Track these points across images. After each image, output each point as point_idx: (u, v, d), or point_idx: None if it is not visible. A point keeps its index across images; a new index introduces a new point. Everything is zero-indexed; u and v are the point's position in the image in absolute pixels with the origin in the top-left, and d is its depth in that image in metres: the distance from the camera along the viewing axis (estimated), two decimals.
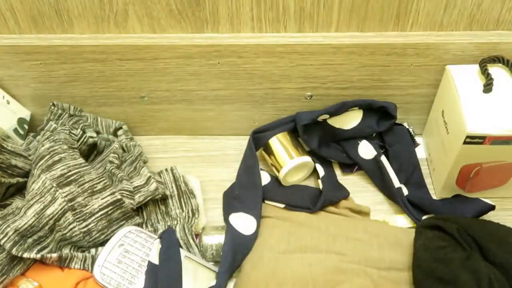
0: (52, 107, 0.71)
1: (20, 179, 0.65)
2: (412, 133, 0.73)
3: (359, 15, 0.63)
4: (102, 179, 0.62)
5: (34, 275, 0.59)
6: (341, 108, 0.69)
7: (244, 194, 0.67)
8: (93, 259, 0.60)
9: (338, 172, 0.73)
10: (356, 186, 0.71)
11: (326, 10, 0.63)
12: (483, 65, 0.61)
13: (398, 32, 0.65)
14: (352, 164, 0.73)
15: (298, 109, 0.72)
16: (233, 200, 0.67)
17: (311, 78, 0.69)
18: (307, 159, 0.69)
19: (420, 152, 0.74)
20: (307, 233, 0.63)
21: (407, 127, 0.73)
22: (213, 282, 0.58)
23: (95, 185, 0.61)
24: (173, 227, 0.63)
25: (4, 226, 0.56)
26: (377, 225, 0.65)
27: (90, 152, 0.71)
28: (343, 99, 0.70)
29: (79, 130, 0.68)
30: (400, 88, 0.70)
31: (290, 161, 0.68)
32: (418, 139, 0.75)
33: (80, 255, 0.60)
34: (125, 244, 0.61)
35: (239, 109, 0.74)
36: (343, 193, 0.68)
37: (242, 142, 0.74)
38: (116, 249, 0.60)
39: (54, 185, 0.59)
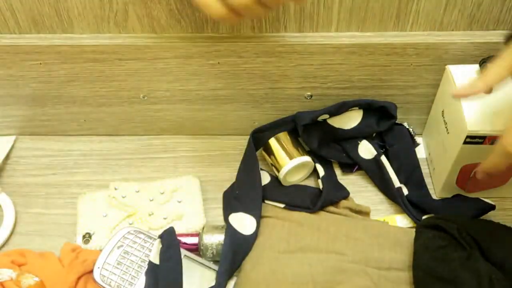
0: None
1: None
2: (412, 133, 0.73)
3: (359, 15, 0.63)
4: None
5: (35, 271, 0.60)
6: (341, 108, 0.69)
7: (244, 194, 0.67)
8: None
9: (338, 172, 0.73)
10: (356, 186, 0.71)
11: (326, 10, 0.63)
12: (483, 65, 0.61)
13: (398, 32, 0.65)
14: (352, 164, 0.73)
15: (298, 109, 0.72)
16: (233, 200, 0.67)
17: (311, 78, 0.69)
18: (307, 159, 0.69)
19: (420, 152, 0.74)
20: (307, 233, 0.63)
21: (407, 127, 0.73)
22: (213, 282, 0.58)
23: None
24: None
25: None
26: (377, 225, 0.65)
27: None
28: (343, 99, 0.70)
29: None
30: (400, 88, 0.70)
31: (290, 161, 0.68)
32: (418, 139, 0.75)
33: None
34: (124, 245, 0.61)
35: (239, 109, 0.74)
36: (343, 193, 0.68)
37: (242, 142, 0.74)
38: (115, 251, 0.60)
39: None
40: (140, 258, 0.60)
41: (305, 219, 0.65)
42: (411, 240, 0.59)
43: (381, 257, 0.60)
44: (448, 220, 0.58)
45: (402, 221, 0.67)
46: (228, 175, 0.72)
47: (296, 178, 0.71)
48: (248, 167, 0.69)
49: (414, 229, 0.60)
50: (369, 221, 0.66)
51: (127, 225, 0.65)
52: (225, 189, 0.70)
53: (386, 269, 0.59)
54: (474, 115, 0.58)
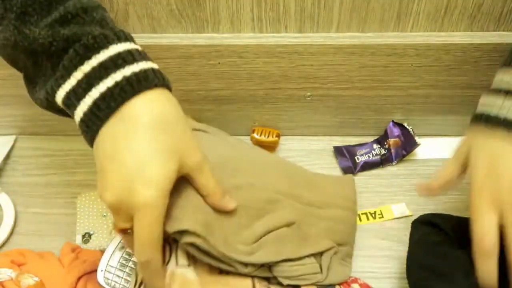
0: None
1: None
2: (412, 133, 0.73)
3: (359, 16, 0.63)
4: None
5: (35, 271, 0.59)
6: None
7: None
8: None
9: (339, 173, 0.73)
10: (357, 187, 0.71)
11: (327, 10, 0.63)
12: None
13: (399, 33, 0.65)
14: (353, 166, 0.73)
15: (298, 109, 0.72)
16: None
17: (312, 79, 0.68)
18: None
19: (420, 152, 0.74)
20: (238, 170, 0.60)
21: (407, 127, 0.73)
22: None
23: None
24: None
25: None
26: (292, 167, 0.66)
27: None
28: (343, 99, 0.70)
29: None
30: (400, 89, 0.70)
31: None
32: (418, 139, 0.75)
33: None
34: (125, 246, 0.61)
35: (239, 109, 0.74)
36: None
37: None
38: (117, 253, 0.60)
39: None
40: None
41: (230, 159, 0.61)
42: (325, 181, 0.64)
43: (300, 194, 0.61)
44: (444, 218, 0.58)
45: (397, 210, 0.68)
46: None
47: None
48: None
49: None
50: (287, 163, 0.67)
51: None
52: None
53: (306, 204, 0.60)
54: None
